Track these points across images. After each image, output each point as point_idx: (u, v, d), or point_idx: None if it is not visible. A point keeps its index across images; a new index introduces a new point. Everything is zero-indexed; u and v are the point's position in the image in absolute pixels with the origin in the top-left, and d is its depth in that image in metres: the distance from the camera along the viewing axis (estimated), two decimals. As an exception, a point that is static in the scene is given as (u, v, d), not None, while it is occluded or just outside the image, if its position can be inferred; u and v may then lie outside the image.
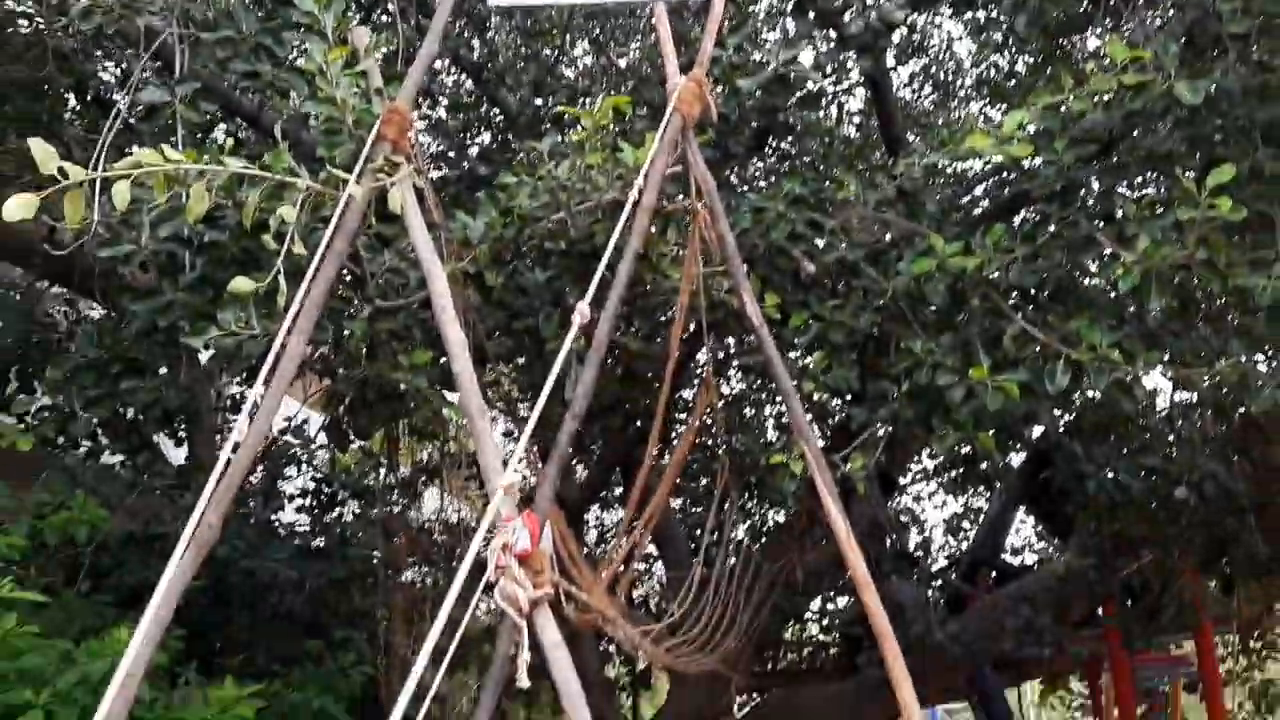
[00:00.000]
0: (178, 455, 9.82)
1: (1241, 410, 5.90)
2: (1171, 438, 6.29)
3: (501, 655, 3.64)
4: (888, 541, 11.26)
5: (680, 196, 4.96)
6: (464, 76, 9.22)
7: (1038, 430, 7.01)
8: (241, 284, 3.58)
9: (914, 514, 15.27)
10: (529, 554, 3.66)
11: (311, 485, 11.37)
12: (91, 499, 6.60)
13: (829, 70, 6.89)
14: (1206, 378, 4.86)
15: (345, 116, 4.18)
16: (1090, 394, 5.00)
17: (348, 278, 4.93)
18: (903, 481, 14.90)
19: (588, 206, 4.75)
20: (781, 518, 11.08)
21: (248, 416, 3.90)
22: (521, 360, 5.79)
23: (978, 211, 6.62)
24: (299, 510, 11.26)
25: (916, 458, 12.66)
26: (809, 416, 5.60)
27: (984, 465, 7.68)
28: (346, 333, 4.77)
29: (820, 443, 5.52)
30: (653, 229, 5.19)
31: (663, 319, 5.98)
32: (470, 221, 4.75)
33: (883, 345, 5.61)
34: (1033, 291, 5.40)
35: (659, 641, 6.95)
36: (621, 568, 5.22)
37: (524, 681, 3.59)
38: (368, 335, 4.81)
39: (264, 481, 11.32)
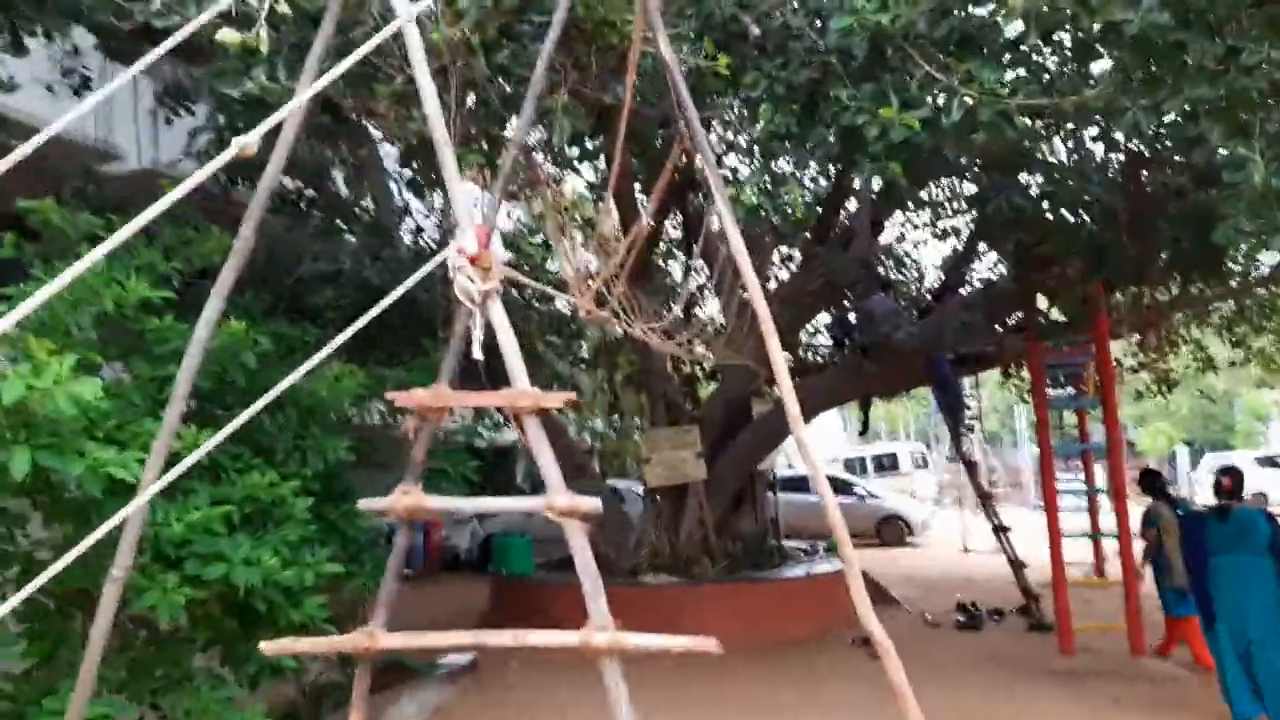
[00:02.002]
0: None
1: (1124, 140, 5.00)
2: (1062, 167, 5.43)
3: (460, 334, 3.27)
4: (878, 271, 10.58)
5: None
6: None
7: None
8: (227, 35, 3.09)
9: (909, 254, 14.46)
10: (477, 256, 3.24)
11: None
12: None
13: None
14: (1075, 106, 4.03)
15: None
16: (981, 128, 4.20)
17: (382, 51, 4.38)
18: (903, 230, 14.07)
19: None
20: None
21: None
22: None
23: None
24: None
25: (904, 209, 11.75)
26: (759, 161, 4.91)
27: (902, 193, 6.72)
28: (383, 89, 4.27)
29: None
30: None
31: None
32: (462, -6, 4.11)
33: (817, 99, 4.85)
34: (940, 43, 4.54)
35: (669, 336, 6.56)
36: (601, 275, 4.75)
37: (478, 354, 3.25)
38: (395, 94, 4.30)
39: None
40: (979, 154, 5.39)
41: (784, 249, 11.28)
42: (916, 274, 14.14)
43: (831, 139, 4.76)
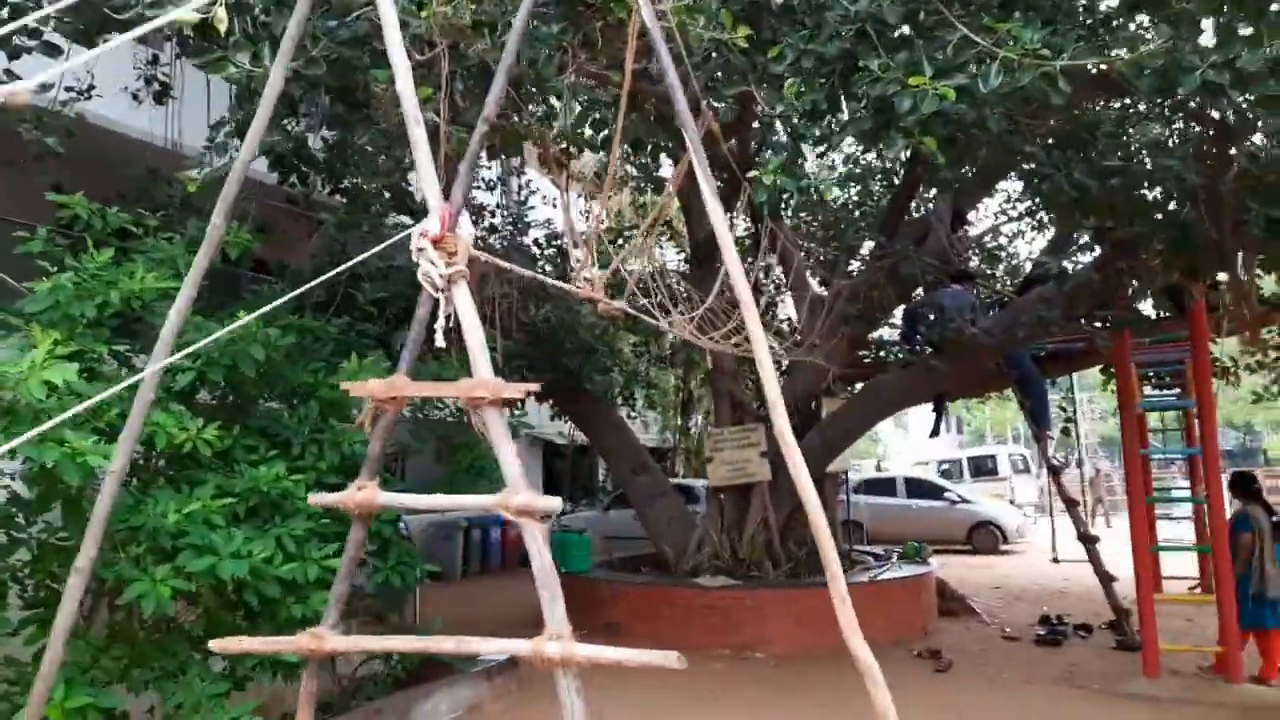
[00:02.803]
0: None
1: (1193, 103, 4.38)
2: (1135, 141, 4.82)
3: (420, 320, 3.06)
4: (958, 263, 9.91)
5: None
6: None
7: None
8: (184, 15, 2.96)
9: (1001, 246, 13.72)
10: (441, 238, 3.03)
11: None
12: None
13: None
14: (1129, 65, 3.52)
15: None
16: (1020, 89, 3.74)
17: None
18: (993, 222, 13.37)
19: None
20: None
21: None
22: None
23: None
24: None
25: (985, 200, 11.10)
26: (789, 139, 4.53)
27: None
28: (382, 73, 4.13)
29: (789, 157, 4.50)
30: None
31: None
32: (458, -25, 3.90)
33: (849, 71, 4.45)
34: (982, 5, 4.09)
35: (701, 332, 6.22)
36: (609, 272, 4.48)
37: (440, 341, 3.03)
38: (390, 79, 4.14)
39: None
40: (1043, 129, 4.88)
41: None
42: (1010, 268, 13.38)
43: (864, 114, 4.35)
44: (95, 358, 4.22)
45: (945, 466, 26.68)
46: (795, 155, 4.48)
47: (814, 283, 12.68)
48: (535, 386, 2.94)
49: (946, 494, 19.47)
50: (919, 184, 8.83)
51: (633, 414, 15.64)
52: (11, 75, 5.13)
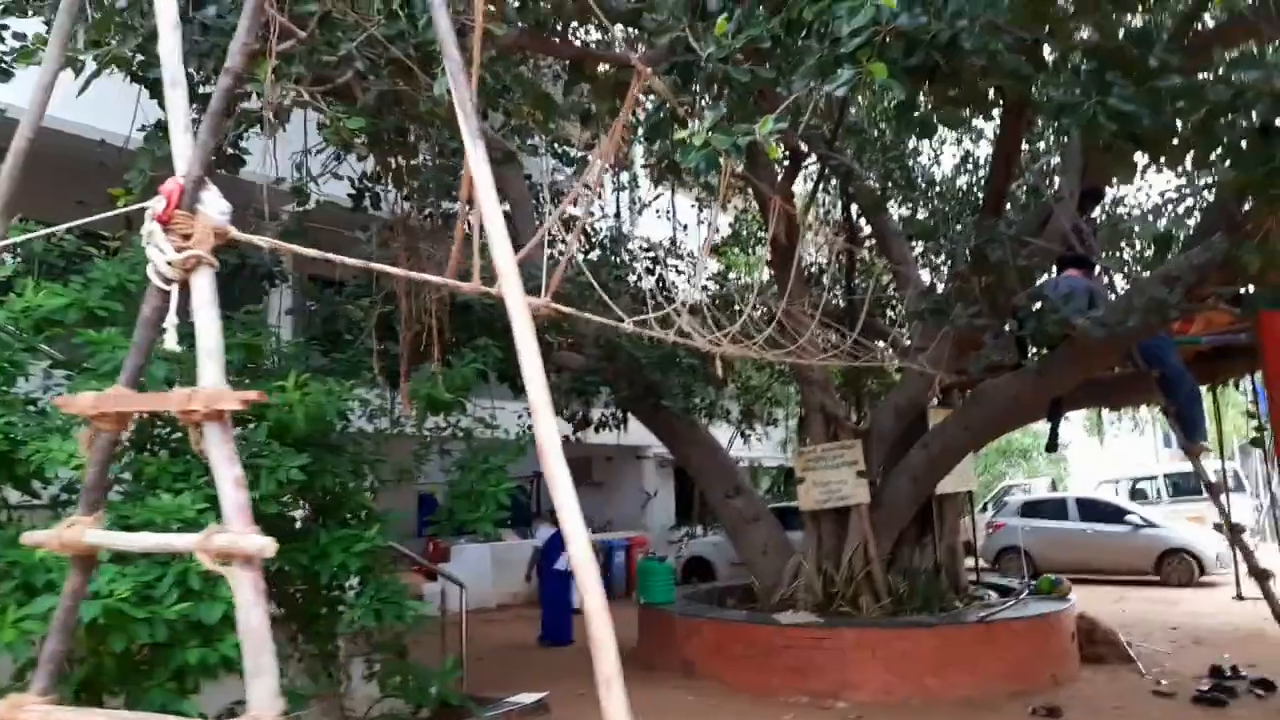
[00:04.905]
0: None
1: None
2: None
3: (145, 319, 2.54)
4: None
5: None
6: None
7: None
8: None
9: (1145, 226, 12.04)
10: (168, 217, 2.51)
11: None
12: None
13: None
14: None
15: None
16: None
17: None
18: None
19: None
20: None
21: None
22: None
23: None
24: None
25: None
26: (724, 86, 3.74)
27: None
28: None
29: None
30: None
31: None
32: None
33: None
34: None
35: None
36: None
37: (172, 343, 2.50)
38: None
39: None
40: (1068, 46, 3.81)
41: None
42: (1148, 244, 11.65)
43: (812, 45, 3.52)
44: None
45: (1140, 485, 23.73)
46: (739, 108, 3.70)
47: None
48: (254, 395, 2.35)
49: (1128, 517, 17.17)
50: (1012, 155, 7.59)
51: (748, 432, 14.75)
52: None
